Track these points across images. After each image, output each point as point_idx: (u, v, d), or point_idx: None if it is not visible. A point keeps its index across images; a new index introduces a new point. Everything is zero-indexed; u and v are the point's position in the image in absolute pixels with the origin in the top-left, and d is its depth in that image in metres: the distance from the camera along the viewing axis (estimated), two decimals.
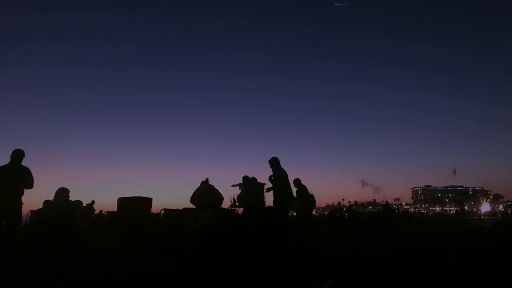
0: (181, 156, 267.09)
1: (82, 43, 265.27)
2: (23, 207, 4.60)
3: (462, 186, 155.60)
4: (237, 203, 6.68)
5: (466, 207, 47.17)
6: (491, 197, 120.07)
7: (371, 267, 3.31)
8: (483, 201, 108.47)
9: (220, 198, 6.32)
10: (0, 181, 4.35)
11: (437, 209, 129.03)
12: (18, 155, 4.57)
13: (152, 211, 6.07)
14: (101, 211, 12.11)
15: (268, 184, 6.49)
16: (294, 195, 6.72)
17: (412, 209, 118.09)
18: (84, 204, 9.65)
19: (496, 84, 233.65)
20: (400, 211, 17.71)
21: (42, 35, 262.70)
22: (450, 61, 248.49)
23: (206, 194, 6.13)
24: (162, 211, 5.76)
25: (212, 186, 6.39)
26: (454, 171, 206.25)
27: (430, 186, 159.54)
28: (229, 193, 7.87)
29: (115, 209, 5.54)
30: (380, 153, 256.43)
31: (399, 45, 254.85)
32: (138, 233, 5.18)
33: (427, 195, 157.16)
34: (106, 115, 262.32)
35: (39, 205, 6.41)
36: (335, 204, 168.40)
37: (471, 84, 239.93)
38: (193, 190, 6.30)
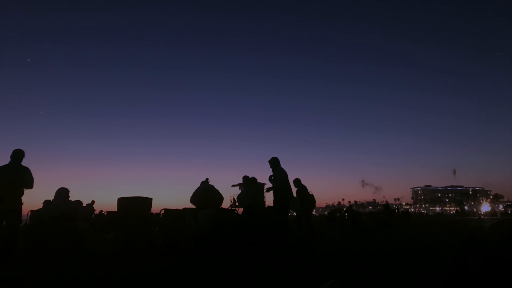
0: (181, 156, 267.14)
1: (82, 43, 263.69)
2: (23, 207, 4.60)
3: (462, 186, 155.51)
4: (237, 203, 6.69)
5: (466, 207, 47.15)
6: (491, 197, 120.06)
7: (371, 267, 3.31)
8: (483, 201, 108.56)
9: (220, 198, 6.33)
10: (0, 181, 4.35)
11: (437, 209, 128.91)
12: (18, 155, 4.57)
13: (152, 211, 6.07)
14: (101, 211, 12.09)
15: (268, 184, 6.49)
16: (294, 195, 6.72)
17: (412, 209, 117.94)
18: (84, 204, 9.65)
19: (496, 84, 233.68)
20: (400, 211, 17.67)
21: (42, 35, 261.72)
22: (450, 61, 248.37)
23: (206, 194, 6.14)
24: (162, 211, 5.76)
25: (212, 186, 6.40)
26: (454, 171, 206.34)
27: (430, 186, 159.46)
28: (229, 193, 7.86)
29: (115, 209, 5.54)
30: (380, 153, 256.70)
31: (399, 45, 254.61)
32: (138, 233, 5.18)
33: (427, 195, 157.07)
34: (106, 115, 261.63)
35: (39, 205, 6.43)
36: (335, 204, 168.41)
37: (471, 84, 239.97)
38: (193, 190, 6.31)
